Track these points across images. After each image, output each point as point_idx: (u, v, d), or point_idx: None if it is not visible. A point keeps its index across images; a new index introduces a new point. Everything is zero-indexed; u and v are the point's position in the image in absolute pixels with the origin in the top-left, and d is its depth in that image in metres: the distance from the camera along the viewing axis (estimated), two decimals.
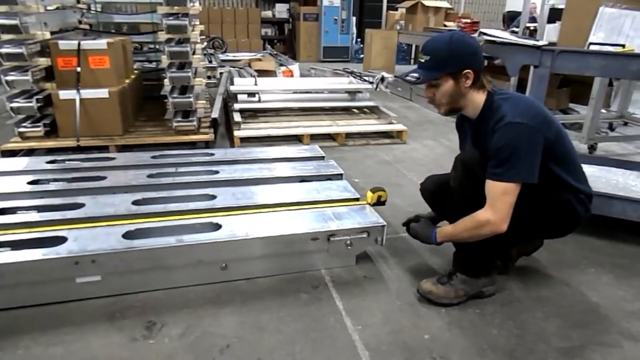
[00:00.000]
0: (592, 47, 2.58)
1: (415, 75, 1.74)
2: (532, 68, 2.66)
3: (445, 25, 7.08)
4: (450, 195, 1.85)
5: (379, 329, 1.72)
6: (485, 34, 2.55)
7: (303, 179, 2.57)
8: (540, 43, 2.48)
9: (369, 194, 2.16)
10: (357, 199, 2.32)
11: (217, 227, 1.98)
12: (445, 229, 1.83)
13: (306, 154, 2.97)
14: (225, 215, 2.09)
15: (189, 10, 3.55)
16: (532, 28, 5.41)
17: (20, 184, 2.37)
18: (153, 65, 5.37)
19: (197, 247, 1.85)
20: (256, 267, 1.99)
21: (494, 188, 1.64)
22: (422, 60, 1.73)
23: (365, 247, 2.11)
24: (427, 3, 7.02)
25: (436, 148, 4.12)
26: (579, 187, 1.80)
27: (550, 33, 4.35)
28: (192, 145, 3.74)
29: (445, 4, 7.32)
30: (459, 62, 1.70)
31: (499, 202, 1.63)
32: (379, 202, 2.17)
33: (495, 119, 1.68)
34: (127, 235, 1.86)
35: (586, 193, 1.82)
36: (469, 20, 6.93)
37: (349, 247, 2.03)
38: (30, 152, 3.51)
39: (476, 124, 1.81)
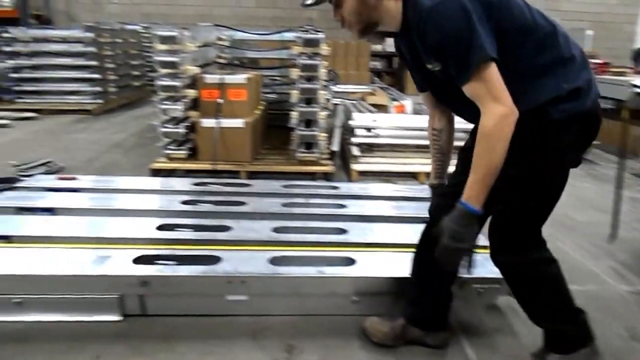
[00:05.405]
0: None
1: None
2: None
3: None
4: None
5: None
6: (637, 86, 2.42)
7: None
8: None
9: None
10: (485, 247, 2.29)
11: (352, 262, 2.08)
12: (466, 189, 1.41)
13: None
14: (356, 250, 2.20)
15: (321, 51, 3.82)
16: None
17: (175, 203, 2.69)
18: (274, 96, 5.79)
19: (334, 280, 1.97)
20: (386, 304, 2.05)
21: (473, 88, 1.34)
22: None
23: (496, 297, 2.08)
24: None
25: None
26: (549, 65, 1.42)
27: None
28: (312, 175, 3.95)
29: None
30: None
31: (491, 91, 1.32)
32: None
33: (417, 15, 1.38)
34: (274, 261, 2.03)
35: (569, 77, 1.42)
36: (598, 61, 6.47)
37: (480, 296, 2.02)
38: (171, 172, 3.96)
39: (403, 35, 1.51)
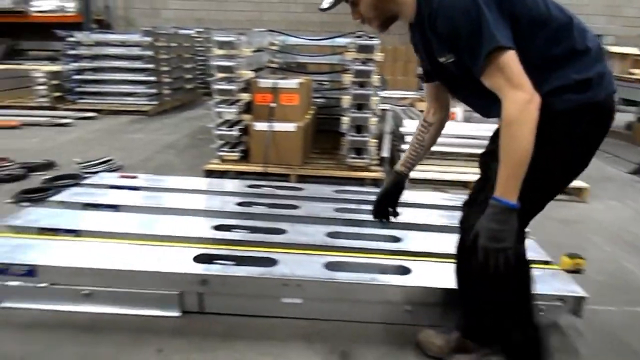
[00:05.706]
0: None
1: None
2: None
3: (630, 73, 6.42)
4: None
5: None
6: None
7: None
8: None
9: (565, 259, 2.05)
10: (546, 262, 2.22)
11: (407, 270, 2.07)
12: (498, 185, 1.36)
13: None
14: (410, 259, 2.17)
15: (375, 57, 3.81)
16: None
17: (231, 204, 2.76)
18: (323, 101, 5.83)
19: (388, 289, 1.96)
20: (440, 315, 2.02)
21: (490, 78, 1.32)
22: None
23: (557, 316, 2.00)
24: (612, 49, 6.48)
25: (622, 211, 3.72)
26: (562, 54, 1.39)
27: None
28: (361, 181, 3.95)
29: (635, 51, 6.65)
30: None
31: (509, 79, 1.29)
32: (574, 271, 2.05)
33: (428, 7, 1.38)
34: (329, 266, 2.04)
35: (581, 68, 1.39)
36: None
37: (541, 314, 1.94)
38: (223, 173, 4.05)
39: (417, 28, 1.50)
